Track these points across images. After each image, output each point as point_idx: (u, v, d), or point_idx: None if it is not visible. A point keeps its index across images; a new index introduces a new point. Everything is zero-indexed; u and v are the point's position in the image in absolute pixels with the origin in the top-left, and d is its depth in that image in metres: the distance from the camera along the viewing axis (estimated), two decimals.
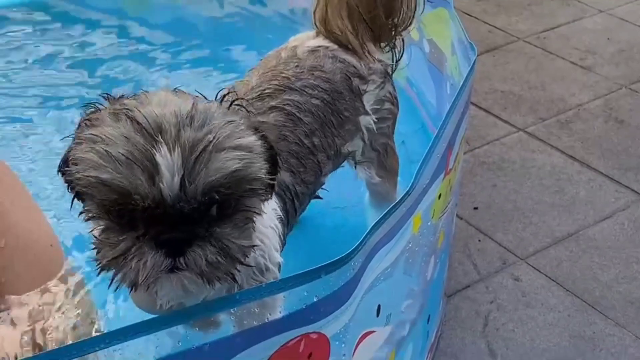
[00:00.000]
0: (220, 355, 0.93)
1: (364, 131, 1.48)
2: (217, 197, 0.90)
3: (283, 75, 1.37)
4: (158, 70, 2.38)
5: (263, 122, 1.08)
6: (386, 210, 1.06)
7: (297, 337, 0.97)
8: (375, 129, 1.50)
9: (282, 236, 1.21)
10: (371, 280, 1.08)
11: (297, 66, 1.39)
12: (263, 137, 1.00)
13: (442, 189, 1.32)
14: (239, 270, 0.97)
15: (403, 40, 1.53)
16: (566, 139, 2.36)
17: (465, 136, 1.55)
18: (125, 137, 0.89)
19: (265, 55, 1.48)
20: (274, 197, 1.19)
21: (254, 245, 0.99)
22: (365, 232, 1.01)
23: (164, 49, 2.50)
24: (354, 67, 1.46)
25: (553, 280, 1.84)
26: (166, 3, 2.68)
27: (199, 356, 0.91)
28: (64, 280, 1.47)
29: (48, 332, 1.35)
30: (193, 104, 0.94)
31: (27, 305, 1.39)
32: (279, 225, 1.18)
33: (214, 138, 0.90)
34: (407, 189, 1.11)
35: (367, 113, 1.47)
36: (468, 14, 3.07)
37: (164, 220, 0.89)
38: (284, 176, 1.25)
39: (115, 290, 0.97)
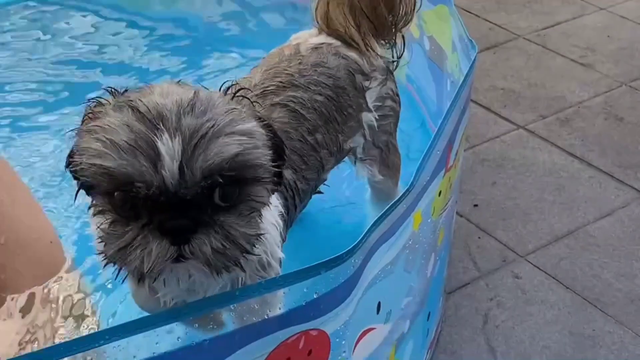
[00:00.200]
0: (219, 351, 0.93)
1: (366, 128, 1.48)
2: (219, 180, 0.90)
3: (286, 72, 1.37)
4: (157, 69, 2.38)
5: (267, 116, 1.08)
6: (386, 208, 1.06)
7: (297, 333, 0.97)
8: (377, 126, 1.50)
9: (282, 233, 1.21)
10: (371, 277, 1.08)
11: (300, 63, 1.39)
12: (267, 126, 1.00)
13: (442, 186, 1.32)
14: (246, 259, 0.97)
15: (404, 37, 1.53)
16: (566, 136, 2.36)
17: (465, 133, 1.55)
18: (128, 125, 0.89)
19: (268, 53, 1.48)
20: (275, 193, 1.19)
21: (260, 234, 0.99)
22: (366, 230, 1.01)
23: (163, 46, 2.49)
24: (357, 63, 1.46)
25: (553, 277, 1.84)
26: (166, 1, 2.69)
27: (199, 353, 0.91)
28: (63, 277, 1.47)
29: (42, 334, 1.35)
30: (195, 92, 0.94)
31: (27, 302, 1.39)
32: (280, 222, 1.19)
33: (214, 124, 0.90)
34: (408, 186, 1.11)
35: (369, 110, 1.47)
36: (468, 11, 3.07)
37: (168, 208, 0.89)
38: (286, 173, 1.25)
39: (122, 282, 0.97)
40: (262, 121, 1.00)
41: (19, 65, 2.40)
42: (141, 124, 0.89)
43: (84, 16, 2.62)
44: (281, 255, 1.16)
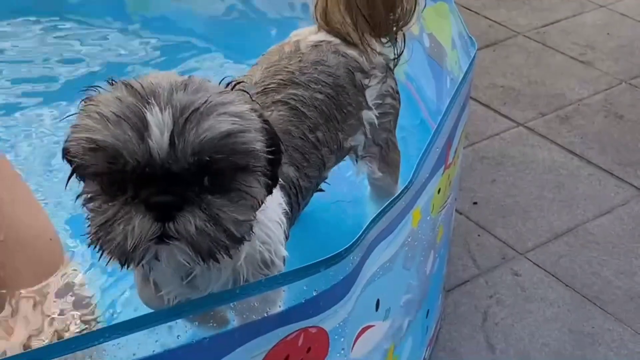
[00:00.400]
0: (219, 349, 0.93)
1: (366, 126, 1.48)
2: (207, 158, 0.89)
3: (287, 70, 1.37)
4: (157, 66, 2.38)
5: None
6: (385, 205, 1.06)
7: (296, 331, 0.97)
8: (377, 123, 1.50)
9: (286, 231, 1.21)
10: (370, 274, 1.08)
11: (300, 61, 1.39)
12: (261, 117, 0.99)
13: (441, 183, 1.32)
14: (236, 248, 0.96)
15: (404, 34, 1.53)
16: (566, 134, 2.36)
17: (465, 131, 1.55)
18: (119, 99, 0.89)
19: (267, 50, 1.48)
20: (279, 191, 1.19)
21: (249, 220, 0.97)
22: (364, 227, 1.01)
23: (163, 43, 2.49)
24: (356, 61, 1.46)
25: (552, 275, 1.84)
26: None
27: (199, 350, 0.91)
28: (63, 276, 1.47)
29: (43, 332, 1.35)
30: (189, 76, 0.94)
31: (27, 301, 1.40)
32: (284, 220, 1.18)
33: (207, 101, 0.90)
34: (407, 183, 1.11)
35: (369, 108, 1.48)
36: (468, 9, 3.06)
37: (154, 184, 0.88)
38: (289, 171, 1.26)
39: (106, 265, 0.94)
40: (256, 112, 0.98)
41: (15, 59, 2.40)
42: (132, 98, 0.89)
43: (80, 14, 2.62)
44: (285, 253, 1.16)
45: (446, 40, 1.85)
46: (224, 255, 0.94)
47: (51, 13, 2.60)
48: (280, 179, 1.07)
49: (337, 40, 1.47)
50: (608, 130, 2.38)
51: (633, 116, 2.45)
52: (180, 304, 1.06)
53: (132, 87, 0.90)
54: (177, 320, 0.94)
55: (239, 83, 1.02)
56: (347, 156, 1.51)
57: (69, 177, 0.97)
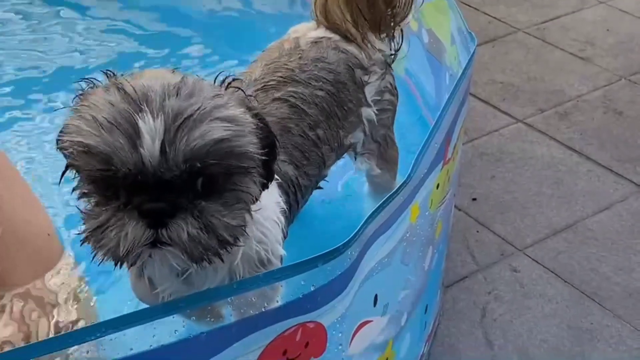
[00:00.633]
0: (216, 344, 0.93)
1: (365, 123, 1.48)
2: (199, 165, 0.89)
3: (287, 67, 1.36)
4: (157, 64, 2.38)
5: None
6: (383, 200, 1.06)
7: (294, 326, 0.97)
8: (376, 120, 1.50)
9: (284, 229, 1.20)
10: (368, 269, 1.08)
11: (300, 57, 1.39)
12: (257, 117, 0.98)
13: (440, 178, 1.31)
14: (227, 251, 0.96)
15: (402, 30, 1.53)
16: (565, 130, 2.36)
17: (464, 127, 1.55)
18: (112, 104, 0.89)
19: (267, 47, 1.48)
20: (277, 190, 1.18)
21: (243, 226, 0.97)
22: (362, 222, 1.01)
23: (162, 42, 2.49)
24: (356, 58, 1.45)
25: (551, 271, 1.84)
26: None
27: (196, 345, 0.91)
28: (60, 271, 1.47)
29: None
30: (182, 77, 0.94)
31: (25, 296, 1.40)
32: (282, 219, 1.18)
33: (199, 108, 0.89)
34: (405, 178, 1.11)
35: (368, 105, 1.47)
36: (467, 4, 3.06)
37: (147, 191, 0.89)
38: (288, 169, 1.25)
39: (98, 265, 0.94)
40: (252, 111, 0.98)
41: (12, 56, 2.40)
42: (125, 103, 0.89)
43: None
44: (282, 252, 1.15)
45: (445, 36, 1.85)
46: (216, 259, 0.95)
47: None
48: (278, 178, 1.07)
49: (336, 37, 1.47)
50: (607, 127, 2.38)
51: (632, 112, 2.45)
52: (177, 299, 1.05)
53: (125, 91, 0.90)
54: (174, 315, 0.94)
55: (234, 80, 1.01)
56: (345, 154, 1.51)
57: (63, 173, 0.97)
